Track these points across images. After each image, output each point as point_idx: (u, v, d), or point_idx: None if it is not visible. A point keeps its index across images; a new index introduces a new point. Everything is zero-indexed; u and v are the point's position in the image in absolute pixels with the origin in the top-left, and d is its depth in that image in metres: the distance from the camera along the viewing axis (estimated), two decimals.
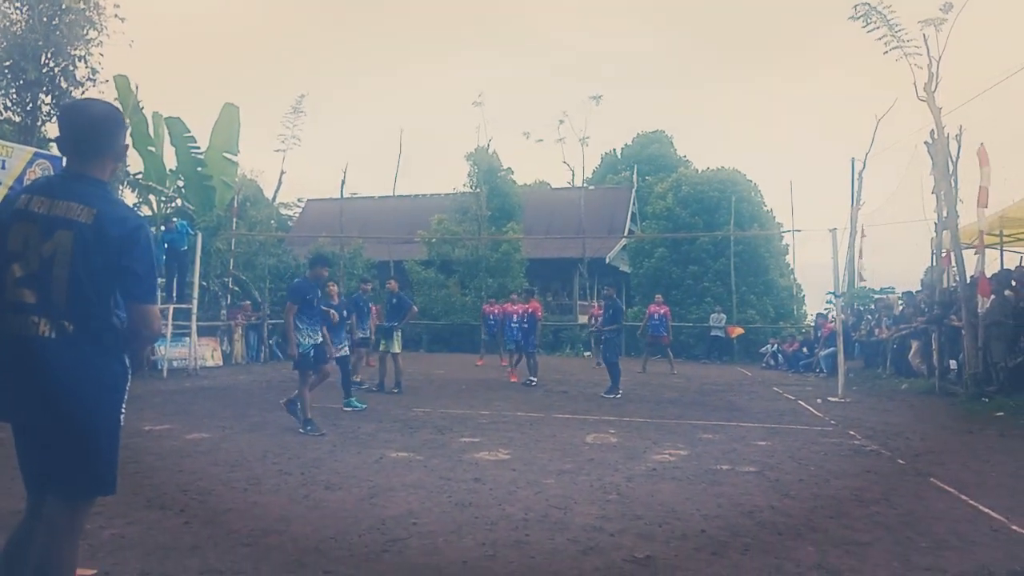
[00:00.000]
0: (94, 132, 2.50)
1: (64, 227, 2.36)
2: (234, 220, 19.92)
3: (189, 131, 18.86)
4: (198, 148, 19.10)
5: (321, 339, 8.15)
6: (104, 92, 16.88)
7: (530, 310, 13.94)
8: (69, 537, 2.40)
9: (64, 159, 2.54)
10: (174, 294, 14.99)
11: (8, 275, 2.37)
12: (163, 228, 16.26)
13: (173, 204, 19.21)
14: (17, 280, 2.36)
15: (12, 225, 2.39)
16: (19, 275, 2.36)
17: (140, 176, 18.59)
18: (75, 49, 15.36)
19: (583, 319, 27.02)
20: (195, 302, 14.76)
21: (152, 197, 18.97)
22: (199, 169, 19.08)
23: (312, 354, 7.97)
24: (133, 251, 2.41)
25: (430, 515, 4.47)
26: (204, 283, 17.20)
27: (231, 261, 19.78)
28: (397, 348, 11.62)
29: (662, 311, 18.28)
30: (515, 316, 14.35)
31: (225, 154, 19.96)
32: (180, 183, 19.69)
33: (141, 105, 18.24)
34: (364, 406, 9.56)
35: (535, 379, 13.26)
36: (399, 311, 11.76)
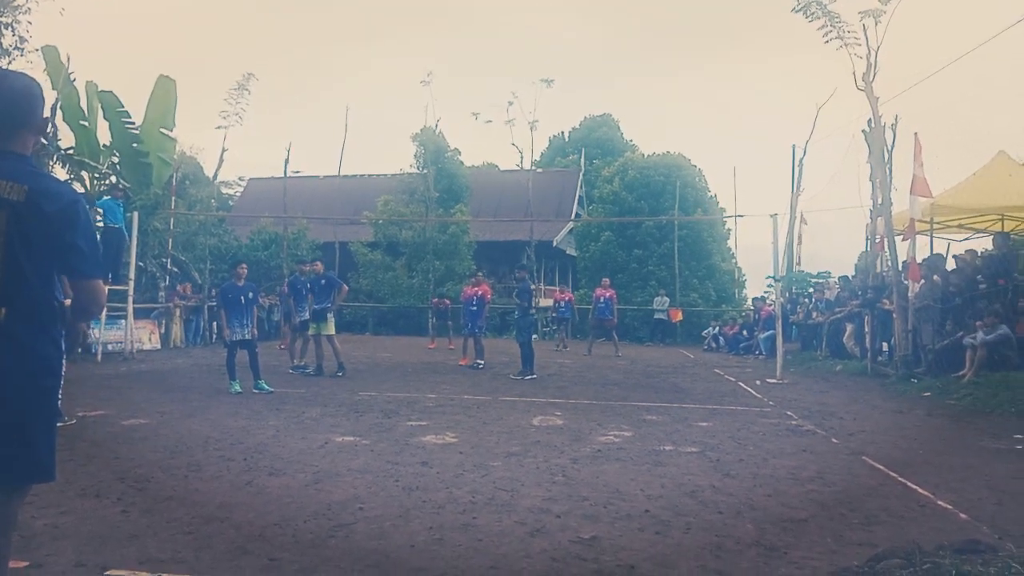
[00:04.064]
0: (13, 106, 2.33)
1: None
2: (172, 199, 19.31)
3: (123, 106, 18.12)
4: (133, 123, 18.40)
5: None
6: (33, 62, 16.17)
7: (480, 293, 13.85)
8: (4, 527, 2.33)
9: None
10: (108, 275, 14.43)
11: None
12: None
13: (107, 181, 18.49)
14: None
15: None
16: None
17: (72, 151, 17.81)
18: (2, 16, 14.61)
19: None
20: (131, 283, 14.29)
21: (85, 173, 18.22)
22: (135, 145, 18.39)
23: None
24: (75, 226, 2.29)
25: (377, 500, 4.45)
26: (141, 264, 16.66)
27: (169, 241, 19.18)
28: (331, 330, 11.50)
29: (608, 294, 18.47)
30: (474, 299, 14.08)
31: (162, 129, 19.26)
32: (115, 159, 18.96)
33: (73, 77, 17.46)
34: (272, 390, 9.43)
35: (482, 362, 13.29)
36: (329, 291, 11.63)
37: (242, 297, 9.60)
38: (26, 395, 2.30)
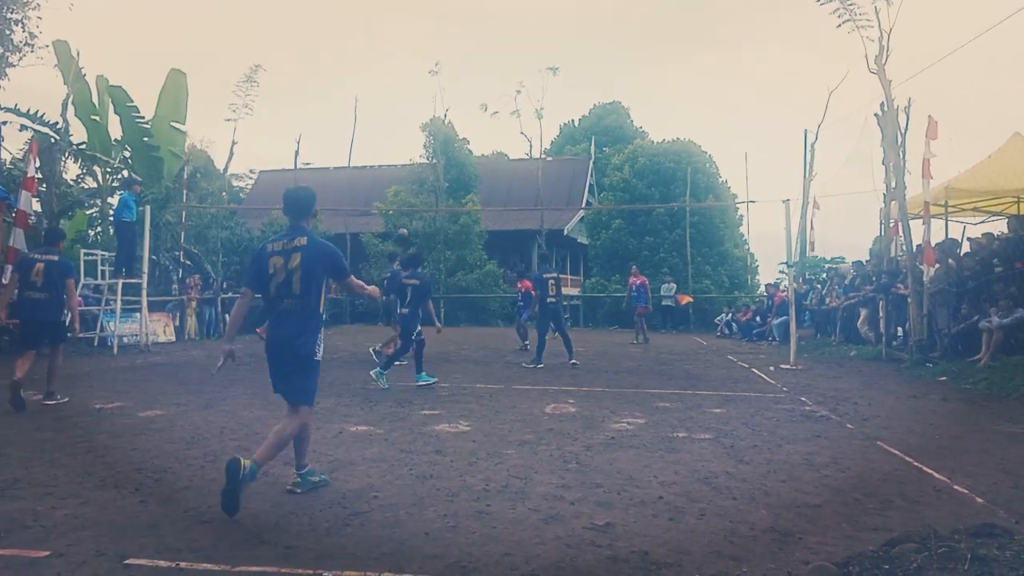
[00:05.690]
0: (304, 205, 4.51)
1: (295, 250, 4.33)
2: (184, 192, 19.40)
3: (132, 101, 18.19)
4: (143, 118, 18.47)
5: None
6: (43, 57, 16.24)
7: (522, 289, 14.90)
8: (300, 422, 4.36)
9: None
10: (123, 268, 14.52)
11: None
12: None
13: (120, 175, 18.59)
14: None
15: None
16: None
17: (84, 146, 17.91)
18: (11, 12, 14.70)
19: None
20: (145, 277, 14.38)
21: (97, 168, 18.33)
22: (145, 139, 18.47)
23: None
24: (331, 258, 4.45)
25: (391, 488, 4.47)
26: (154, 257, 16.76)
27: (182, 234, 19.29)
28: None
29: (639, 281, 18.45)
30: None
31: (172, 123, 19.36)
32: (126, 153, 19.06)
33: (84, 72, 17.54)
34: (434, 379, 9.43)
35: (526, 343, 14.24)
36: None
37: None
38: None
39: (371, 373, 9.28)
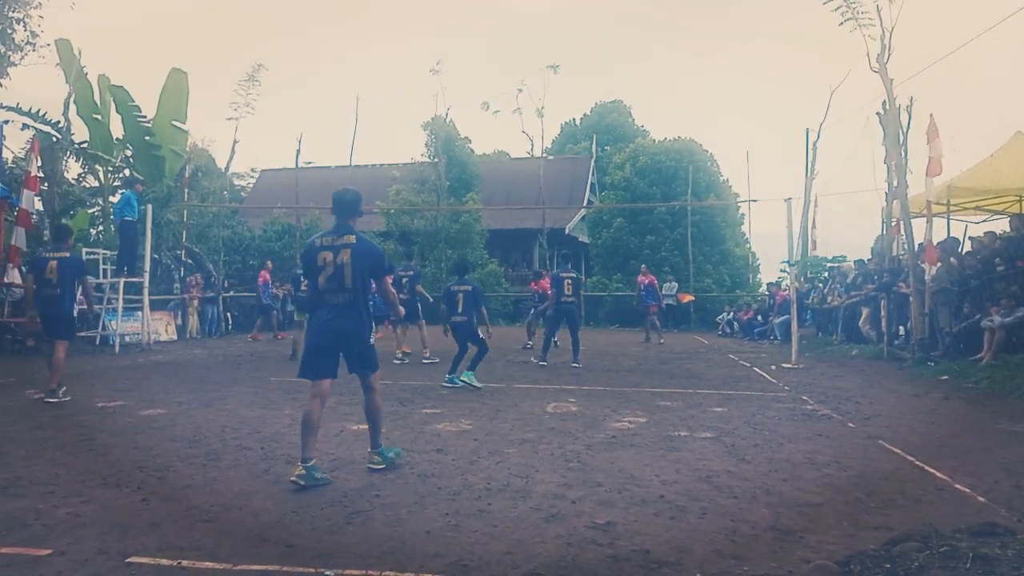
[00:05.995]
0: (353, 205, 4.88)
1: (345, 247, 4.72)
2: (185, 191, 19.40)
3: (133, 100, 18.19)
4: (144, 117, 18.47)
5: None
6: (45, 56, 16.25)
7: (537, 289, 15.47)
8: (377, 391, 5.01)
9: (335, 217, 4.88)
10: (124, 267, 14.52)
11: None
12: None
13: (121, 174, 18.60)
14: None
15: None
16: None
17: (86, 144, 17.91)
18: (13, 11, 14.71)
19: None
20: (147, 275, 14.38)
21: (99, 167, 18.33)
22: (147, 138, 18.47)
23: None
24: (375, 257, 4.85)
25: (392, 487, 4.48)
26: (156, 256, 16.76)
27: (183, 233, 19.29)
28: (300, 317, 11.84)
29: (647, 280, 18.49)
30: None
31: (174, 122, 19.35)
32: (128, 152, 19.07)
33: (85, 71, 17.55)
34: (462, 383, 9.24)
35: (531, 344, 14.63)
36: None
37: None
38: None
39: (471, 382, 9.18)
